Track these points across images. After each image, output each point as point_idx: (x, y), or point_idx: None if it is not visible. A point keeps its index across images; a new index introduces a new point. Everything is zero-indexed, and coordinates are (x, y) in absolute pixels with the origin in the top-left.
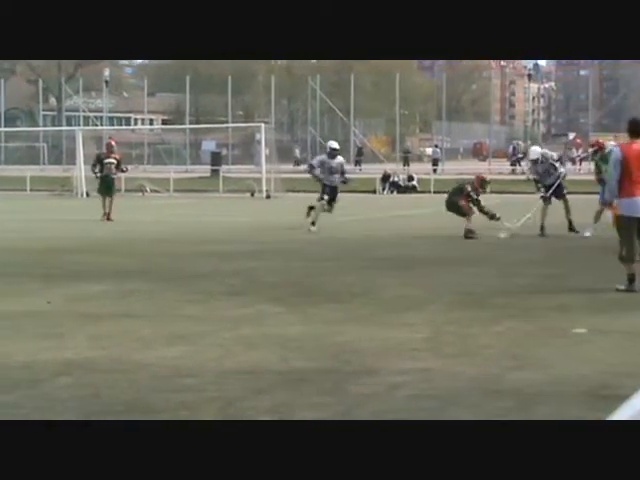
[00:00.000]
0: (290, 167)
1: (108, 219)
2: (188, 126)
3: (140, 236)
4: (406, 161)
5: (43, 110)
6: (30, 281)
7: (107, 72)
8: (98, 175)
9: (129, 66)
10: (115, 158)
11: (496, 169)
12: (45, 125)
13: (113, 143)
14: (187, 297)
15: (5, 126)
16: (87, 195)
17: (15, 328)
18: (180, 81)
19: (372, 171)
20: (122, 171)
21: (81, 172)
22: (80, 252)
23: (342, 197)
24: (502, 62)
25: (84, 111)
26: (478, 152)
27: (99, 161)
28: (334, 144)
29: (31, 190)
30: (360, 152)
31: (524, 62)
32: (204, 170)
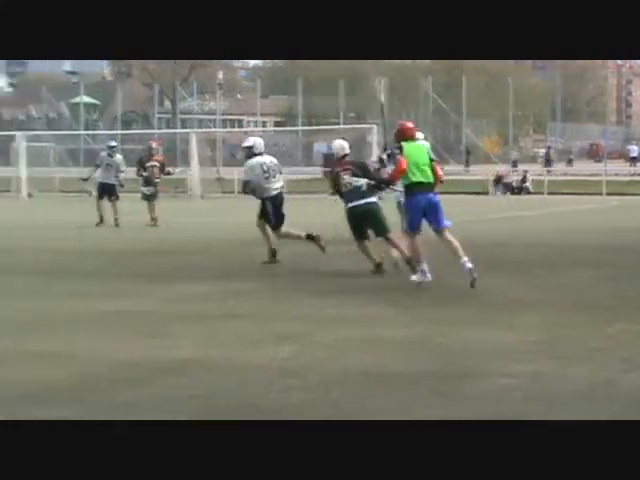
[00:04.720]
0: None
1: (155, 224)
2: (300, 128)
3: (245, 236)
4: (515, 163)
5: (158, 113)
6: (137, 281)
7: (221, 75)
8: (143, 175)
9: (242, 68)
10: (158, 161)
11: (612, 170)
12: (160, 128)
13: (154, 145)
14: (294, 296)
15: (122, 129)
16: (202, 197)
17: (123, 327)
18: (292, 83)
19: (484, 172)
20: (167, 174)
21: (195, 174)
22: (186, 253)
23: (450, 199)
24: (618, 61)
25: (198, 113)
26: (594, 153)
27: (141, 165)
28: None
29: None
30: (468, 152)
31: None
32: (316, 171)
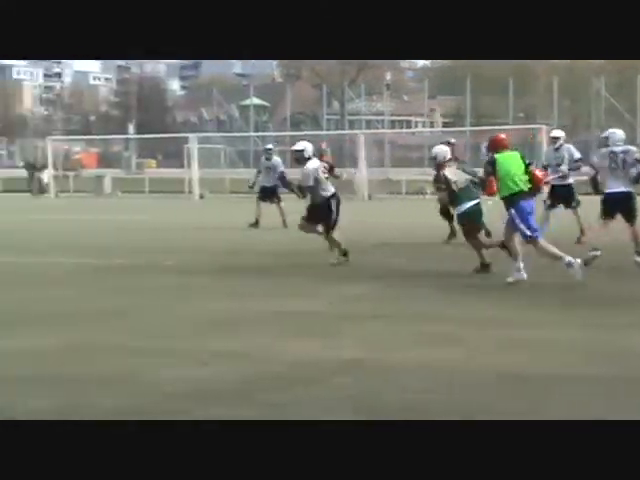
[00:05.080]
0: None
1: None
2: (468, 128)
3: (411, 237)
4: None
5: (326, 114)
6: (304, 282)
7: (388, 76)
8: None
9: (410, 69)
10: (327, 162)
11: None
12: (328, 129)
13: (323, 146)
14: (447, 297)
15: (291, 130)
16: (369, 198)
17: (292, 328)
18: (460, 83)
19: None
20: (335, 177)
21: (363, 175)
22: (351, 253)
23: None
24: None
25: (366, 114)
26: None
27: None
28: None
29: None
30: None
31: None
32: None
